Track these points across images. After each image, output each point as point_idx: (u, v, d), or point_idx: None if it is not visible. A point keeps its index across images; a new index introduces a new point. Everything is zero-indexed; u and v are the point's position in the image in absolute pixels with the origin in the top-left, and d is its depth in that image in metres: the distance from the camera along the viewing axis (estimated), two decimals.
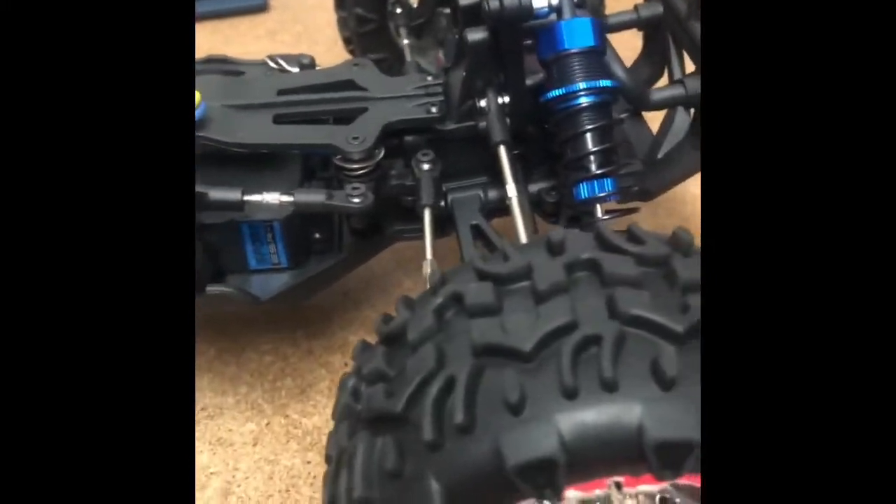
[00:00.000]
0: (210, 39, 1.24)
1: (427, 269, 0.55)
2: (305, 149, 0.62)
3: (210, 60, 0.72)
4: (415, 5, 0.90)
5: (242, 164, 0.62)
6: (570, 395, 0.33)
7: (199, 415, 0.68)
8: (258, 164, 0.63)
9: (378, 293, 0.79)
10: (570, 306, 0.35)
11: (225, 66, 0.72)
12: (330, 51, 1.19)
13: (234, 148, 0.60)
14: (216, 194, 0.57)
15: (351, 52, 0.96)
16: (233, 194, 0.57)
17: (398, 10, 0.87)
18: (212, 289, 0.59)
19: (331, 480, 0.37)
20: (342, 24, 0.94)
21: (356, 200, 0.58)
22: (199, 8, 1.29)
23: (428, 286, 0.55)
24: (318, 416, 0.68)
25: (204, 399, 0.69)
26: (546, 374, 0.33)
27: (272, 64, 0.71)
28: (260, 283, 0.61)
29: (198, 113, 0.60)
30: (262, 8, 1.30)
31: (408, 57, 0.79)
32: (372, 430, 0.36)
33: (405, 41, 0.83)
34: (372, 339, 0.73)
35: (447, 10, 0.86)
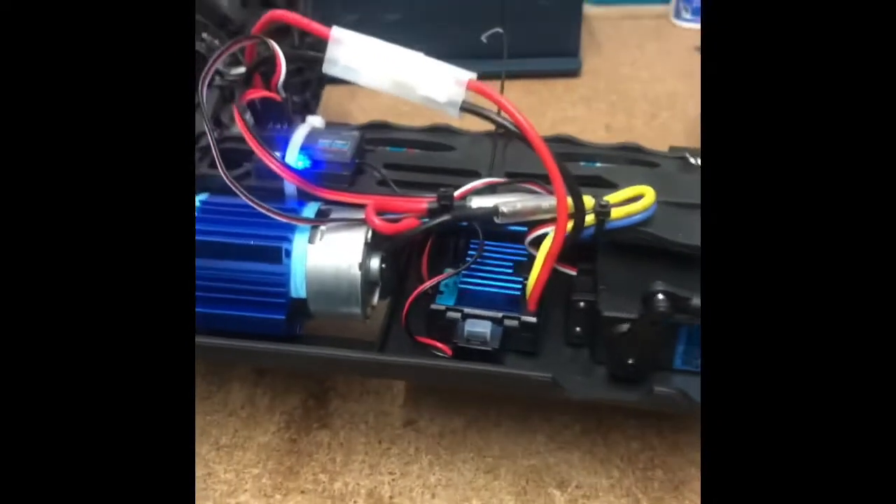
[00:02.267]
0: (527, 98, 1.28)
1: None
2: None
3: (625, 148, 0.74)
4: None
5: (669, 262, 0.63)
6: None
7: (574, 492, 0.69)
8: (682, 263, 0.63)
9: None
10: None
11: (639, 156, 0.73)
12: (647, 125, 1.20)
13: (676, 248, 0.62)
14: (698, 302, 0.57)
15: None
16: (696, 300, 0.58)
17: None
18: (660, 390, 0.59)
19: None
20: None
21: None
22: (514, 67, 1.33)
23: None
24: None
25: (578, 476, 0.71)
26: None
27: (691, 159, 0.72)
28: (683, 384, 0.62)
29: (650, 211, 0.61)
30: (575, 73, 1.33)
31: None
32: None
33: None
34: None
35: None
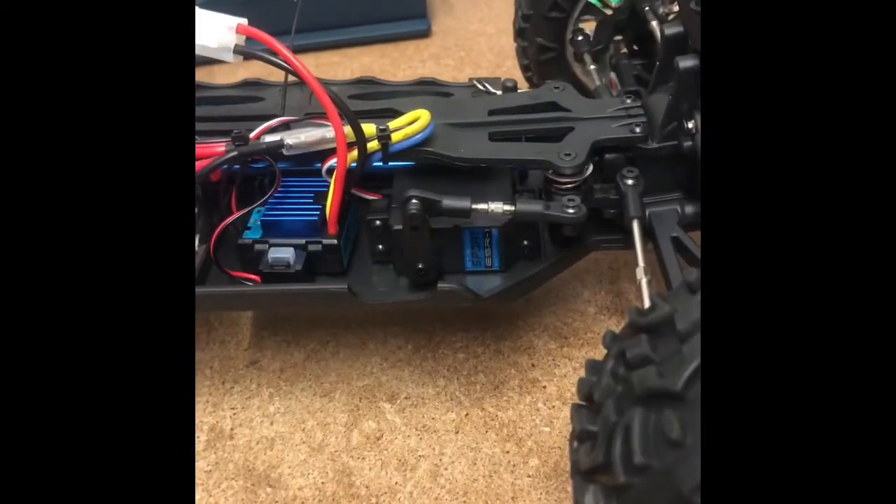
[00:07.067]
0: (380, 62, 1.32)
1: (640, 275, 0.60)
2: (521, 164, 0.68)
3: (421, 82, 0.79)
4: (591, 35, 0.95)
5: (460, 176, 0.68)
6: None
7: (403, 402, 0.75)
8: (474, 177, 0.69)
9: (558, 300, 0.84)
10: None
11: (435, 88, 0.79)
12: (492, 74, 1.25)
13: (457, 162, 0.67)
14: (448, 202, 0.63)
15: (528, 78, 1.01)
16: (463, 203, 0.63)
17: (579, 38, 0.92)
18: (442, 286, 0.65)
19: (603, 448, 0.42)
20: (521, 52, 0.99)
21: (571, 211, 0.64)
22: (368, 33, 1.38)
23: (643, 293, 0.60)
24: (511, 411, 0.73)
25: (407, 389, 0.76)
26: None
27: (479, 86, 0.78)
28: (475, 283, 0.67)
29: (427, 131, 0.67)
30: (425, 34, 1.37)
31: (597, 81, 0.85)
32: (646, 406, 0.40)
33: (591, 66, 0.88)
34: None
35: (620, 38, 0.92)
